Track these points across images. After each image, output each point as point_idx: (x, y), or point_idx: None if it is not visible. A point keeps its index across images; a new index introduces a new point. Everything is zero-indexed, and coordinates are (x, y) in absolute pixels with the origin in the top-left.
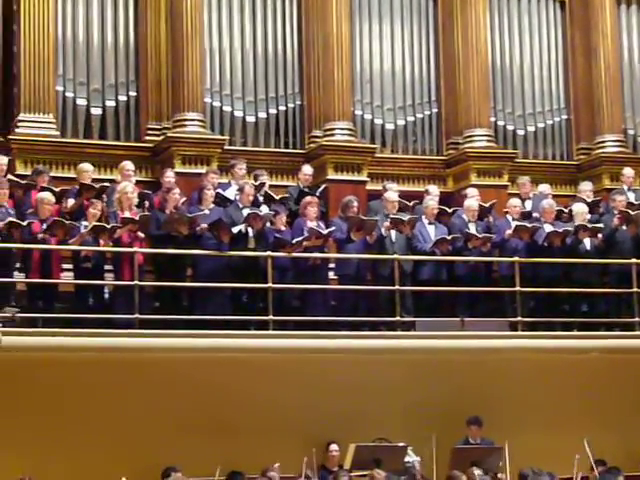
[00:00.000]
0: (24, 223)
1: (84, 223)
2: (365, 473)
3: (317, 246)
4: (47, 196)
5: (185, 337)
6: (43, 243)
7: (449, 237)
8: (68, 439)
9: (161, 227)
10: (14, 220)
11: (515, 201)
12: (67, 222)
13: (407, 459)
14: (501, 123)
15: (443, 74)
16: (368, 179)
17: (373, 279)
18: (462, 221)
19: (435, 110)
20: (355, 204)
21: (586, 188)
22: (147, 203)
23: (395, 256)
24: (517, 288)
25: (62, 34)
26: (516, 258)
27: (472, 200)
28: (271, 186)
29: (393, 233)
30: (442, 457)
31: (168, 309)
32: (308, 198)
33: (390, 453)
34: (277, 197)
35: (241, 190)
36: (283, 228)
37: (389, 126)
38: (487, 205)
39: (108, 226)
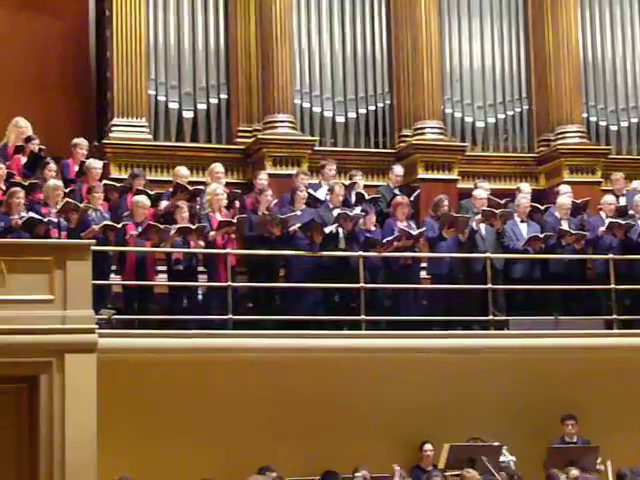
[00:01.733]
0: (119, 225)
1: (175, 226)
2: (458, 473)
3: (407, 247)
4: (142, 199)
5: (278, 337)
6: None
7: (542, 235)
8: (163, 439)
9: (254, 228)
10: (109, 223)
11: (609, 198)
12: (161, 226)
13: (502, 458)
14: (593, 119)
15: (534, 70)
16: (459, 178)
17: (465, 278)
18: (555, 219)
19: (526, 107)
20: (446, 203)
21: None
22: (237, 203)
23: (487, 254)
24: (612, 286)
25: (154, 38)
26: (611, 255)
27: (565, 197)
28: (363, 186)
29: (483, 228)
30: (537, 456)
31: (261, 310)
32: (398, 199)
33: (485, 452)
34: (368, 196)
35: (331, 190)
36: (373, 228)
37: (479, 124)
38: (580, 202)
39: (193, 227)
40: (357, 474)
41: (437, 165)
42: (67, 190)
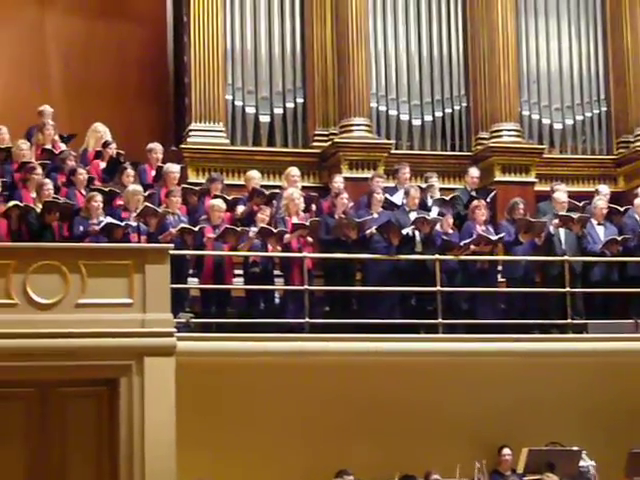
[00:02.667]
0: (196, 229)
1: (253, 229)
2: (537, 477)
3: (486, 252)
4: (218, 202)
5: (355, 341)
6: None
7: (619, 238)
8: (241, 443)
9: (330, 232)
10: (187, 226)
11: None
12: (238, 229)
13: (582, 463)
14: None
15: (612, 70)
16: (536, 180)
17: (542, 281)
18: (634, 221)
19: (604, 108)
20: (521, 206)
21: None
22: (314, 207)
23: (565, 257)
24: None
25: (231, 44)
26: None
27: None
28: (439, 189)
29: (562, 232)
30: (617, 462)
31: (338, 313)
32: (476, 202)
33: (564, 457)
34: (447, 198)
35: (407, 193)
36: (450, 231)
37: (557, 126)
38: None
39: (275, 230)
40: (432, 477)
41: (514, 168)
42: (146, 194)
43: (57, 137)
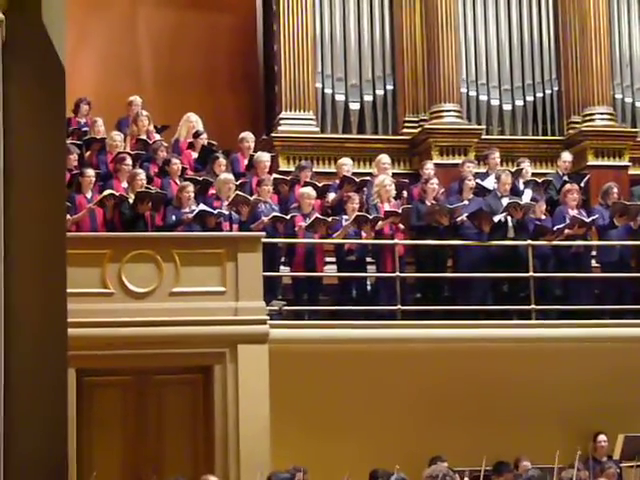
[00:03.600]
0: (287, 217)
1: (345, 217)
2: (637, 464)
3: (579, 235)
4: (308, 191)
5: (447, 328)
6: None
7: None
8: (333, 430)
9: (422, 218)
10: (278, 214)
11: None
12: (329, 219)
13: None
14: None
15: None
16: (630, 164)
17: (637, 265)
18: None
19: None
20: (615, 190)
21: None
22: (405, 193)
23: None
24: None
25: (320, 32)
26: None
27: None
28: (532, 174)
29: None
30: None
31: (429, 300)
32: (568, 186)
33: None
34: (540, 180)
35: (498, 179)
36: (543, 217)
37: None
38: None
39: (370, 216)
40: (522, 464)
41: (607, 152)
42: (237, 183)
43: (152, 127)
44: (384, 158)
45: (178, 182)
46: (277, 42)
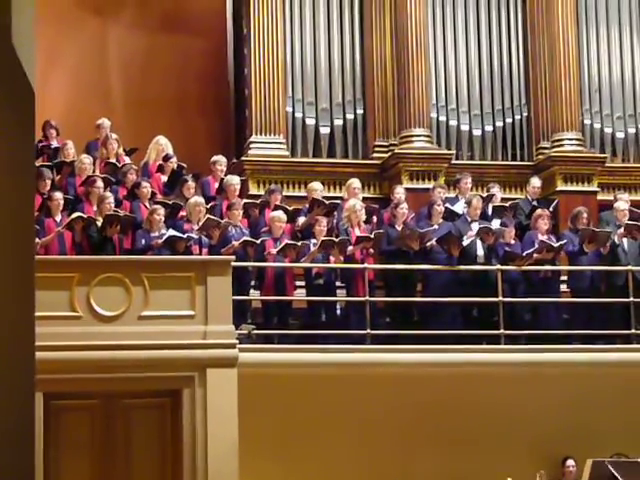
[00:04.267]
0: (258, 241)
1: (313, 241)
2: None
3: (548, 259)
4: (279, 214)
5: (416, 352)
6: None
7: None
8: (302, 454)
9: (392, 243)
10: (248, 239)
11: None
12: (299, 243)
13: None
14: None
15: None
16: (599, 189)
17: (607, 291)
18: None
19: None
20: (585, 215)
21: None
22: (375, 218)
23: (629, 267)
24: None
25: (290, 56)
26: None
27: None
28: (501, 199)
29: (625, 242)
30: None
31: (399, 324)
32: (539, 211)
33: (629, 469)
34: (507, 204)
35: (469, 203)
36: (512, 242)
37: (619, 135)
38: None
39: (336, 240)
40: None
41: (576, 177)
42: (208, 207)
43: (121, 150)
44: (355, 182)
45: (147, 205)
46: (247, 66)
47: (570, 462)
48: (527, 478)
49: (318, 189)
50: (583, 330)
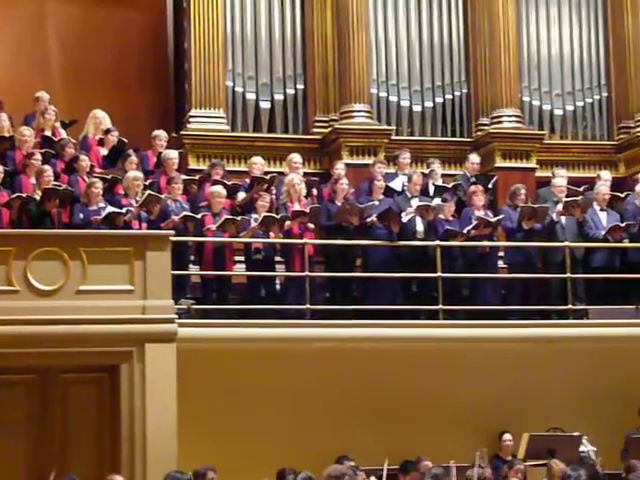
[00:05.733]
0: (198, 216)
1: (254, 216)
2: (540, 463)
3: (486, 235)
4: (218, 189)
5: (355, 327)
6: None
7: (623, 224)
8: (241, 428)
9: (332, 218)
10: (188, 214)
11: None
12: (239, 218)
13: (582, 449)
14: None
15: (613, 57)
16: (537, 166)
17: (544, 267)
18: (635, 206)
19: (605, 94)
20: (523, 192)
21: None
22: (314, 191)
23: (566, 243)
24: None
25: (231, 30)
26: None
27: None
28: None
29: (563, 219)
30: (614, 447)
31: (338, 299)
32: (473, 187)
33: (565, 443)
34: (449, 185)
35: (409, 179)
36: (451, 218)
37: (558, 112)
38: None
39: (277, 216)
40: (422, 463)
41: (515, 154)
42: (147, 182)
43: (58, 124)
44: (295, 157)
45: (86, 179)
46: (187, 40)
47: (507, 436)
48: (464, 451)
49: (259, 163)
50: (520, 306)
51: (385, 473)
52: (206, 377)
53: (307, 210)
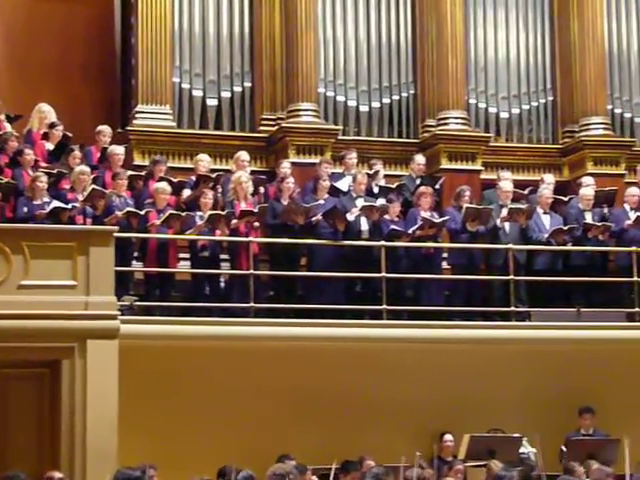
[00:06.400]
0: (142, 212)
1: (199, 213)
2: (481, 464)
3: (431, 236)
4: (163, 185)
5: (299, 326)
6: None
7: (566, 227)
8: (183, 426)
9: (277, 217)
10: (132, 210)
11: (633, 190)
12: (183, 214)
13: (522, 450)
14: (618, 111)
15: (559, 61)
16: (482, 168)
17: (487, 269)
18: (577, 210)
19: (550, 98)
20: (468, 193)
21: None
22: (262, 189)
23: (509, 246)
24: (635, 278)
25: (179, 26)
26: (634, 248)
27: (588, 189)
28: (385, 175)
29: (507, 224)
30: (554, 448)
31: (283, 298)
32: (422, 189)
33: (505, 444)
34: (393, 186)
35: (354, 179)
36: (396, 218)
37: (504, 115)
38: (608, 191)
39: (223, 213)
40: (365, 462)
41: (460, 155)
42: (91, 177)
43: (3, 116)
44: (243, 155)
45: (31, 173)
46: (135, 35)
47: (448, 437)
48: (406, 452)
49: (205, 161)
50: (463, 307)
51: (333, 473)
52: (148, 374)
53: (255, 209)
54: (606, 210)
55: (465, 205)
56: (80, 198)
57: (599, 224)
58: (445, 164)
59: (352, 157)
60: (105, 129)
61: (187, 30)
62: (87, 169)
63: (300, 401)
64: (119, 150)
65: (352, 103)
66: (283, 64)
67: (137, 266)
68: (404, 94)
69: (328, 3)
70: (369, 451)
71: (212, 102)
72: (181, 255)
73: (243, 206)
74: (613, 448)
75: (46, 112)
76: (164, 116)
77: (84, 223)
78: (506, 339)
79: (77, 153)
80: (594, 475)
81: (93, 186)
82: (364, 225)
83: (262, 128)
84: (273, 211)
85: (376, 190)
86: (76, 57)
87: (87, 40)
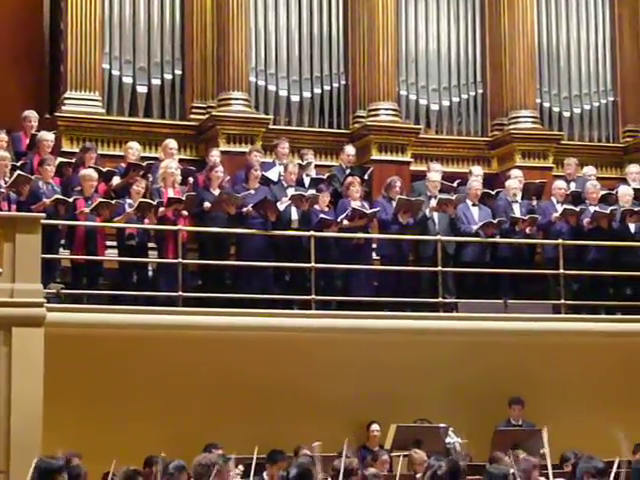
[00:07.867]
0: (70, 200)
1: (128, 201)
2: (406, 453)
3: (361, 226)
4: (90, 172)
5: (227, 315)
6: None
7: (495, 221)
8: (110, 414)
9: (209, 207)
10: (60, 197)
11: (560, 183)
12: (112, 202)
13: (448, 440)
14: (547, 105)
15: (489, 55)
16: (412, 160)
17: (416, 260)
18: (506, 202)
19: (480, 91)
20: (398, 184)
21: (632, 170)
22: (191, 179)
23: (438, 237)
24: (561, 271)
25: (109, 12)
26: (560, 240)
27: (514, 181)
28: (315, 166)
29: (436, 214)
30: (484, 438)
31: (211, 287)
32: (350, 178)
33: (431, 434)
34: (324, 176)
35: (285, 169)
36: (326, 208)
37: (434, 107)
38: (538, 183)
39: (154, 202)
40: (302, 452)
41: (390, 147)
42: (19, 163)
43: None
44: (171, 143)
45: None
46: (64, 20)
47: (375, 427)
48: (332, 441)
49: (134, 149)
50: (392, 298)
51: (254, 462)
52: (75, 363)
53: (182, 197)
54: (534, 203)
55: (397, 196)
56: (2, 184)
57: (526, 217)
58: (375, 155)
59: (285, 147)
60: (31, 114)
61: (117, 16)
62: (7, 154)
63: (228, 391)
64: (49, 136)
65: (283, 93)
66: (214, 52)
67: (64, 254)
68: (335, 84)
69: None
70: (297, 440)
71: (142, 89)
72: (109, 243)
73: (171, 193)
74: (538, 438)
75: None
76: (93, 102)
77: (9, 209)
78: (434, 330)
79: (4, 136)
80: (521, 465)
81: (19, 172)
82: (294, 215)
83: (192, 116)
84: (201, 200)
85: (307, 181)
86: (3, 41)
87: (15, 24)
